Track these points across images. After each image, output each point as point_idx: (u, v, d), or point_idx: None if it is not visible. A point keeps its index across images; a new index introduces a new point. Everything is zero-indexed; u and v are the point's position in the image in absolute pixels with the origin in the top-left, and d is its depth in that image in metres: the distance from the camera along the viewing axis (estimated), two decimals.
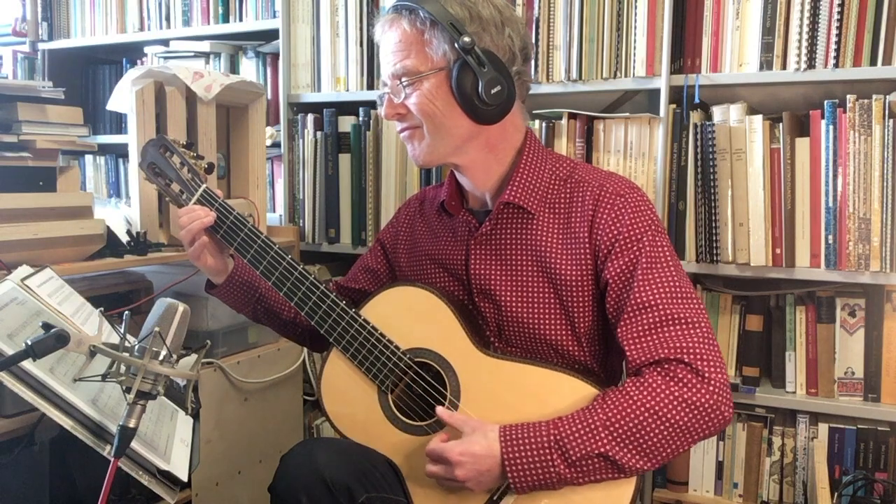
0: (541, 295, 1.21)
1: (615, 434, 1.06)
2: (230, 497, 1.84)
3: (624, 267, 1.15)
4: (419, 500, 1.19)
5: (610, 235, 1.16)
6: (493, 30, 1.18)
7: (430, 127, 1.20)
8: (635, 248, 1.15)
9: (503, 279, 1.24)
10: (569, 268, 1.19)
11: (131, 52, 2.54)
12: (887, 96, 1.61)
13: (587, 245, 1.18)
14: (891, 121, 1.60)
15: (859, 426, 1.73)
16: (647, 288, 1.12)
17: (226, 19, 2.33)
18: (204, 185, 1.33)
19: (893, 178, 1.61)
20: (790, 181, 1.70)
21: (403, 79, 1.19)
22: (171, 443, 1.16)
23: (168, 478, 1.11)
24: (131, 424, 0.97)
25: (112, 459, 0.96)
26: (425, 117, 1.19)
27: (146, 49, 2.42)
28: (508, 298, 1.23)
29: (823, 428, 1.75)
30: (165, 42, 2.38)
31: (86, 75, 2.69)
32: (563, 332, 1.21)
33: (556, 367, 1.17)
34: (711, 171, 1.75)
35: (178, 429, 1.23)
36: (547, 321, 1.21)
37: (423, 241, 1.37)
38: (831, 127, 1.65)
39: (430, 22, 1.16)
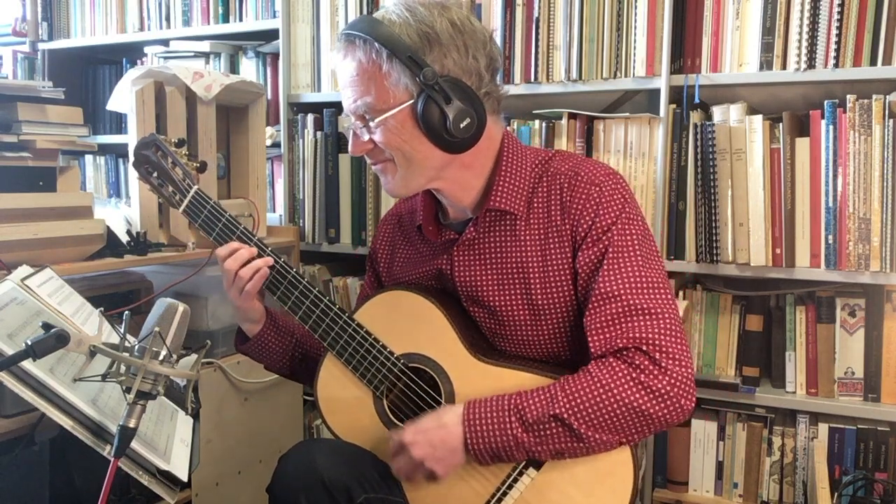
0: (529, 296, 1.20)
1: (571, 402, 1.07)
2: (230, 497, 1.84)
3: (593, 257, 1.14)
4: (417, 502, 1.19)
5: (585, 225, 1.16)
6: (456, 53, 1.11)
7: (402, 160, 1.16)
8: (605, 238, 1.14)
9: (490, 283, 1.22)
10: (553, 264, 1.19)
11: (131, 52, 2.54)
12: (887, 96, 1.61)
13: (567, 237, 1.18)
14: (891, 121, 1.60)
15: (859, 426, 1.73)
16: (612, 278, 1.12)
17: (226, 19, 2.33)
18: (196, 187, 1.31)
19: (893, 178, 1.61)
20: (790, 181, 1.70)
21: (367, 116, 1.15)
22: (171, 443, 1.16)
23: (168, 478, 1.11)
24: (131, 424, 0.97)
25: (112, 459, 0.96)
26: (395, 151, 1.15)
27: (146, 49, 2.42)
28: (497, 302, 1.22)
29: (823, 428, 1.75)
30: (165, 42, 2.38)
31: (86, 75, 2.69)
32: (554, 332, 1.21)
33: (550, 372, 1.17)
34: (711, 171, 1.75)
35: (178, 429, 1.23)
36: (537, 323, 1.20)
37: (406, 259, 1.35)
38: (831, 127, 1.65)
39: (386, 54, 1.09)
